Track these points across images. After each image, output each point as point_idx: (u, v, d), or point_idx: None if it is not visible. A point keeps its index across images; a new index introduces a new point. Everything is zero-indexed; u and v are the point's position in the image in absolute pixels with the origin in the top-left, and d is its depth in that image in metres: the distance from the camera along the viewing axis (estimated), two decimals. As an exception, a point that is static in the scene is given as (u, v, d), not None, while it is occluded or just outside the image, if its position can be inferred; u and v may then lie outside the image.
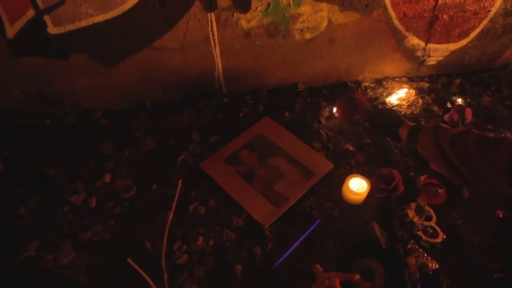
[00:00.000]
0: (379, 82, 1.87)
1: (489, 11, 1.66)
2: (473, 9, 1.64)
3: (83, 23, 1.37)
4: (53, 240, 1.25)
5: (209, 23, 1.48)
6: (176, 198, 1.35)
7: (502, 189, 0.88)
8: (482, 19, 1.69)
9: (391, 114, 1.39)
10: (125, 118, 1.65)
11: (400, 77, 1.90)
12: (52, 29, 1.36)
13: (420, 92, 1.83)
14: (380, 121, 1.39)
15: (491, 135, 1.02)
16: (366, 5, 1.56)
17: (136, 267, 1.16)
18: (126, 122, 1.63)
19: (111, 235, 1.28)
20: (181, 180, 1.40)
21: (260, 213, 1.31)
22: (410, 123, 1.28)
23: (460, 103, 1.76)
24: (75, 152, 1.51)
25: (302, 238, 1.25)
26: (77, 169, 1.45)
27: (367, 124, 1.53)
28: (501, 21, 1.71)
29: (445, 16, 1.66)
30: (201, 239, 1.25)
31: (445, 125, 1.12)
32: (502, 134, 1.63)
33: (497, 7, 1.65)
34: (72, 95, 1.60)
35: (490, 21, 1.70)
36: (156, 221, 1.31)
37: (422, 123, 1.24)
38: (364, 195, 1.33)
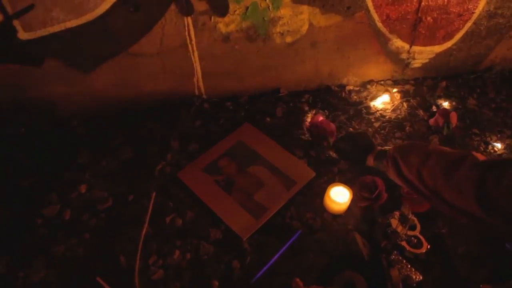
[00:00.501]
0: (363, 85, 1.84)
1: (473, 13, 1.63)
2: (456, 11, 1.61)
3: (56, 28, 1.32)
4: (24, 256, 1.20)
5: (186, 28, 1.43)
6: (149, 212, 1.30)
7: (475, 214, 0.84)
8: (466, 21, 1.67)
9: (359, 140, 1.37)
10: (103, 126, 1.60)
11: (385, 80, 1.87)
12: (22, 35, 1.31)
13: (405, 95, 1.80)
14: (347, 150, 1.38)
15: (452, 151, 0.98)
16: (348, 7, 1.52)
17: (106, 286, 1.11)
18: (104, 130, 1.58)
19: (86, 249, 1.23)
20: (154, 193, 1.35)
21: (238, 225, 1.26)
22: (375, 151, 1.26)
23: (445, 107, 1.73)
24: (50, 162, 1.46)
25: (281, 250, 1.21)
26: (51, 180, 1.40)
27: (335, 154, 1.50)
28: (485, 23, 1.68)
29: (428, 18, 1.63)
30: (177, 252, 1.21)
31: (399, 151, 1.08)
32: (488, 138, 1.61)
33: (481, 9, 1.62)
34: (47, 103, 1.54)
35: (474, 23, 1.67)
36: (132, 234, 1.26)
37: (384, 149, 1.24)
38: (346, 205, 1.30)
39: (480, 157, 0.89)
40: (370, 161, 1.28)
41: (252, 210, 1.31)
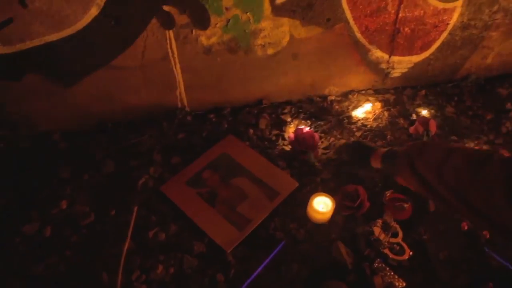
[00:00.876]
0: (345, 95, 1.87)
1: (448, 24, 1.68)
2: (432, 22, 1.66)
3: (35, 42, 1.31)
4: (1, 277, 1.17)
5: (168, 41, 1.44)
6: (131, 226, 1.29)
7: (500, 216, 0.79)
8: (442, 31, 1.71)
9: (356, 147, 1.37)
10: (85, 140, 1.58)
11: (366, 90, 1.90)
12: (1, 49, 1.29)
13: (386, 104, 1.83)
14: (348, 158, 1.38)
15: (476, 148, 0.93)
16: (328, 19, 1.55)
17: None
18: (86, 145, 1.57)
19: (67, 267, 1.21)
20: (136, 207, 1.34)
21: (222, 237, 1.26)
22: (381, 149, 1.22)
23: (424, 115, 1.77)
24: (31, 178, 1.43)
25: (265, 262, 1.21)
26: (31, 196, 1.38)
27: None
28: (460, 33, 1.73)
29: (406, 29, 1.67)
30: (161, 267, 1.20)
31: (417, 147, 1.01)
32: (466, 145, 1.65)
33: (455, 20, 1.67)
34: (27, 118, 1.53)
35: (450, 33, 1.72)
36: (115, 249, 1.24)
37: (394, 148, 1.18)
38: (329, 214, 1.31)
39: (505, 153, 0.86)
40: (376, 162, 1.23)
41: (235, 222, 1.31)
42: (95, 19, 1.31)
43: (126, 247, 1.23)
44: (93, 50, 1.39)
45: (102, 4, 1.28)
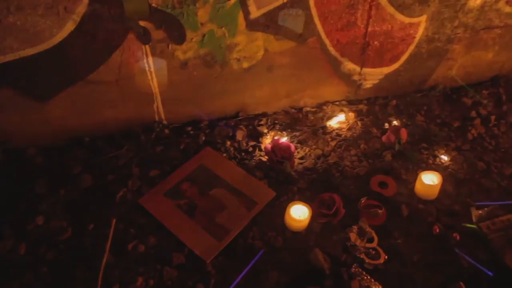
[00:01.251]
0: (319, 106, 1.92)
1: (414, 37, 1.77)
2: (400, 35, 1.74)
3: (9, 57, 1.31)
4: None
5: (144, 55, 1.46)
6: (110, 239, 1.28)
7: None
8: (409, 44, 1.80)
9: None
10: (61, 154, 1.57)
11: (339, 101, 1.96)
12: (-27, 64, 1.28)
13: (359, 114, 1.90)
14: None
15: None
16: (301, 34, 1.61)
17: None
18: (62, 159, 1.55)
19: (43, 284, 1.18)
20: (114, 219, 1.34)
21: (201, 248, 1.27)
22: None
23: (396, 124, 1.83)
24: (4, 194, 1.41)
25: (245, 271, 1.23)
26: (5, 213, 1.35)
27: None
28: (426, 46, 1.83)
29: (375, 42, 1.75)
30: (140, 280, 1.19)
31: None
32: (436, 151, 1.72)
33: (420, 34, 1.77)
34: (1, 132, 1.50)
35: (416, 46, 1.81)
36: (93, 264, 1.23)
37: None
38: (306, 222, 1.34)
39: None
40: None
41: (214, 233, 1.32)
42: (71, 34, 1.32)
43: (104, 260, 1.22)
44: (69, 64, 1.40)
45: (78, 19, 1.29)
